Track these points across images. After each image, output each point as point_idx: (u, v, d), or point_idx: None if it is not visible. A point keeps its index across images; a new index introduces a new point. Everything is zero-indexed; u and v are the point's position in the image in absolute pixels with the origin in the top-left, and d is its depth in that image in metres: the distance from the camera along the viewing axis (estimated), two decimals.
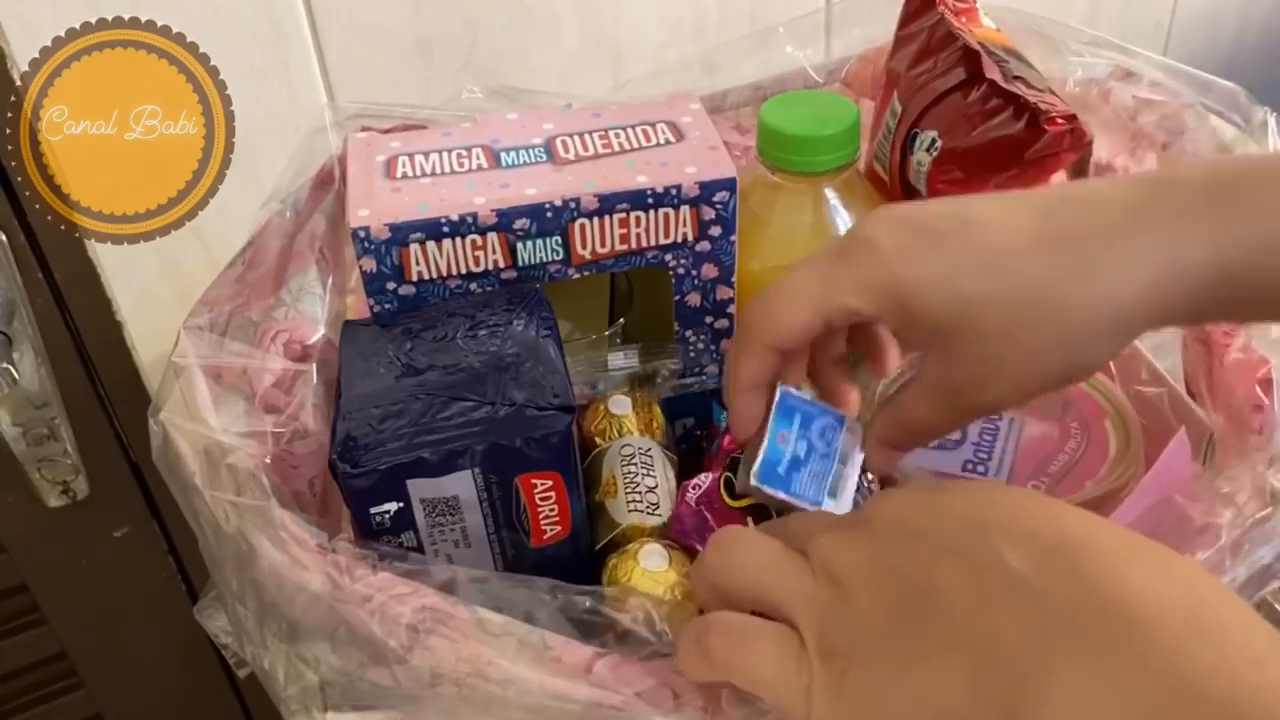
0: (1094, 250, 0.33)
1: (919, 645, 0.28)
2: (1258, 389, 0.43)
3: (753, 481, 0.38)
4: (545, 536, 0.42)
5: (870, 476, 0.43)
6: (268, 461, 0.42)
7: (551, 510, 0.42)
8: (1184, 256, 0.33)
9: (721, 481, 0.44)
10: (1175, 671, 0.24)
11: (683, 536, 0.43)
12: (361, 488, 0.39)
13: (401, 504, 0.40)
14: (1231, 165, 0.36)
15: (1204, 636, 0.24)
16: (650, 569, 0.41)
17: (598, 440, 0.47)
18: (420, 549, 0.41)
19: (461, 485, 0.40)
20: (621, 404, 0.48)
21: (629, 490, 0.44)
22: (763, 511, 0.42)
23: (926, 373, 0.36)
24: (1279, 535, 0.37)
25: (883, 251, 0.35)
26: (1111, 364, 0.52)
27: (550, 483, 0.41)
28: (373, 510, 0.40)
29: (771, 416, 0.39)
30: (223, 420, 0.42)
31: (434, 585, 0.37)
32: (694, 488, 0.44)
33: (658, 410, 0.49)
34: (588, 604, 0.36)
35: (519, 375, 0.42)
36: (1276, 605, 0.41)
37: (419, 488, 0.40)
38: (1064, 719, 0.25)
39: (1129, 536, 0.28)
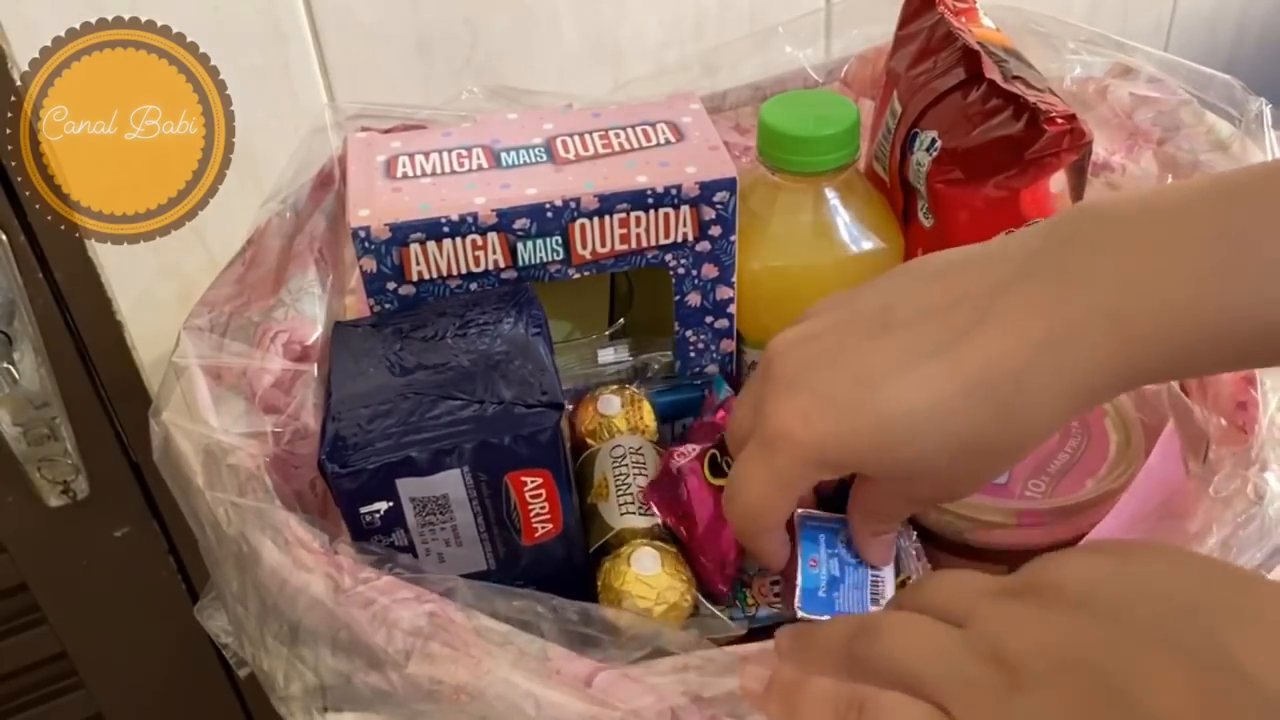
0: (1008, 396, 0.32)
1: None
2: (1246, 385, 0.43)
3: (799, 614, 0.38)
4: (537, 535, 0.42)
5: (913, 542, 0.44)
6: (269, 462, 0.42)
7: (542, 508, 0.42)
8: (1093, 383, 0.32)
9: (706, 458, 0.44)
10: None
11: (655, 502, 0.43)
12: (350, 488, 0.39)
13: (391, 503, 0.40)
14: (1136, 238, 0.32)
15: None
16: (642, 573, 0.41)
17: (589, 441, 0.47)
18: (411, 548, 0.41)
19: (451, 484, 0.40)
20: (610, 403, 0.48)
21: (621, 492, 0.44)
22: None
23: (883, 484, 0.37)
24: (1267, 533, 0.38)
25: (800, 444, 0.34)
26: None
27: (540, 480, 0.41)
28: (362, 510, 0.40)
29: (798, 546, 0.40)
30: (223, 421, 0.42)
31: (437, 591, 0.37)
32: (679, 455, 0.44)
33: (647, 407, 0.49)
34: (587, 629, 0.36)
35: (508, 373, 0.42)
36: None
37: (408, 487, 0.40)
38: None
39: None
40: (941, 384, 0.32)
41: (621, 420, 0.48)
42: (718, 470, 0.43)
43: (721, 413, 0.48)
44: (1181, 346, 0.31)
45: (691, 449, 0.44)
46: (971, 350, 0.32)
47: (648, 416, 0.49)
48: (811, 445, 0.34)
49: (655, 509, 0.43)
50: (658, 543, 0.43)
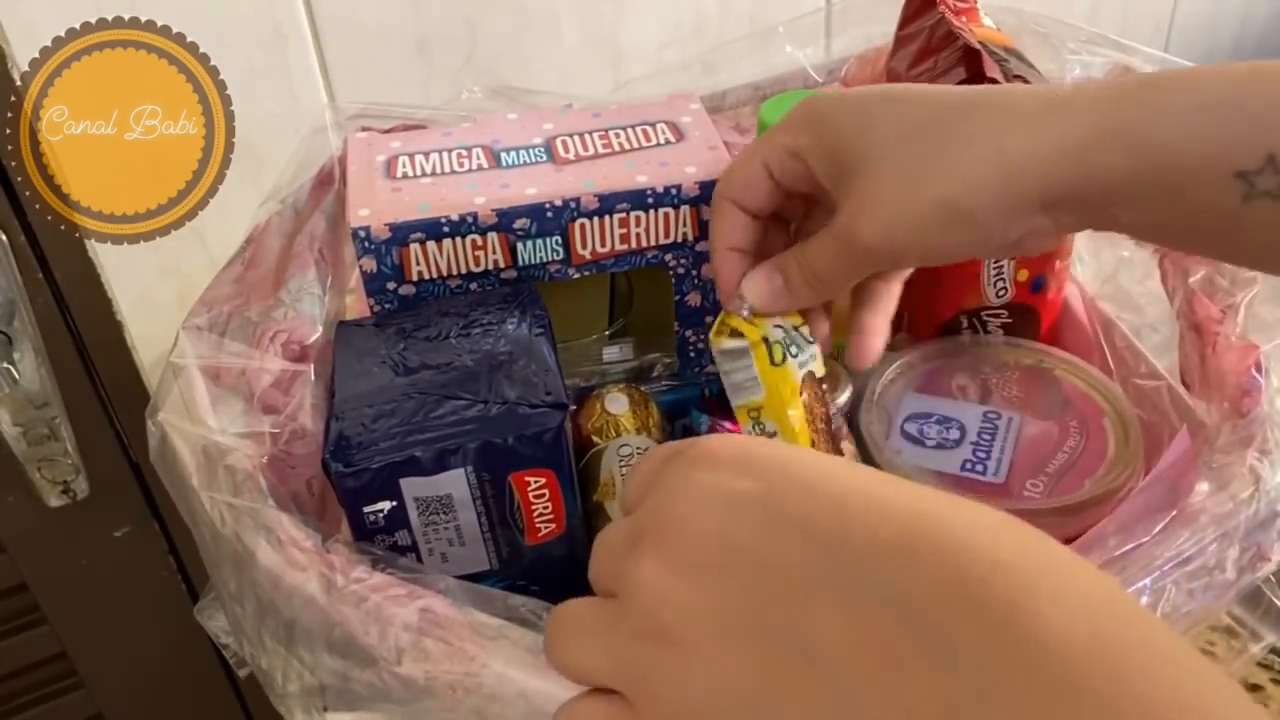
0: (992, 111, 0.36)
1: (806, 712, 0.23)
2: (1251, 373, 0.43)
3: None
4: (540, 534, 0.42)
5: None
6: (265, 462, 0.42)
7: (545, 508, 0.42)
8: (1078, 134, 0.35)
9: None
10: None
11: None
12: (354, 487, 0.39)
13: (395, 503, 0.40)
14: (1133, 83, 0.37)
15: (1123, 675, 0.20)
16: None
17: (595, 439, 0.47)
18: (414, 548, 0.41)
19: (454, 484, 0.40)
20: (618, 401, 0.48)
21: None
22: None
23: (833, 221, 0.39)
24: (1266, 517, 0.38)
25: (810, 100, 0.40)
26: (1110, 361, 0.52)
27: (543, 480, 0.41)
28: (366, 509, 0.40)
29: None
30: (221, 421, 0.42)
31: (430, 588, 0.37)
32: None
33: (654, 407, 0.49)
34: None
35: (511, 373, 0.42)
36: (1275, 600, 0.41)
37: (412, 486, 0.40)
38: None
39: (1019, 531, 0.23)
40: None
41: (629, 419, 0.48)
42: None
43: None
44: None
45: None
46: None
47: (655, 416, 0.49)
48: None
49: None
50: None
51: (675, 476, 0.27)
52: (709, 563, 0.25)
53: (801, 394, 0.41)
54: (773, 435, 0.41)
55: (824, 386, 0.42)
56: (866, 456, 0.47)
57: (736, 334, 0.41)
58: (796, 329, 0.41)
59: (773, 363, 0.41)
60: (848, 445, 0.46)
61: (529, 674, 0.34)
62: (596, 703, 0.27)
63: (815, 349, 0.42)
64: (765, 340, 0.41)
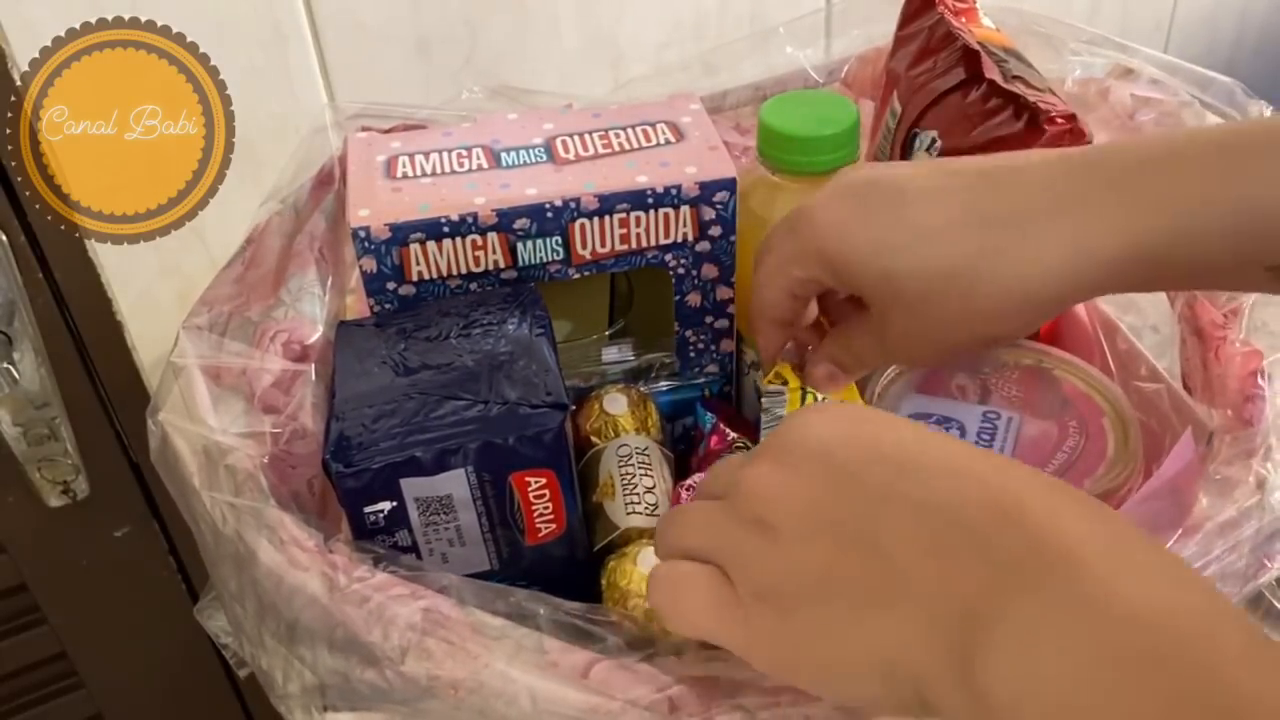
0: (1010, 234, 0.37)
1: (867, 593, 0.29)
2: (1254, 380, 0.43)
3: None
4: (540, 535, 0.42)
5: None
6: (266, 462, 0.42)
7: (546, 508, 0.42)
8: (1096, 243, 0.36)
9: None
10: (1109, 602, 0.25)
11: None
12: (355, 487, 0.39)
13: (395, 503, 0.40)
14: (1156, 146, 0.38)
15: (1130, 571, 0.26)
16: (648, 573, 0.41)
17: (594, 439, 0.47)
18: (415, 548, 0.41)
19: (455, 484, 0.40)
20: (617, 402, 0.48)
21: (627, 491, 0.44)
22: None
23: (869, 320, 0.41)
24: (1268, 522, 0.38)
25: (819, 224, 0.40)
26: (1110, 362, 0.52)
27: (544, 480, 0.41)
28: (366, 509, 0.40)
29: None
30: (222, 420, 0.42)
31: (432, 588, 0.37)
32: (688, 490, 0.44)
33: (653, 407, 0.49)
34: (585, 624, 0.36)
35: (512, 374, 0.42)
36: (1275, 602, 0.41)
37: (412, 487, 0.40)
38: (1016, 655, 0.26)
39: (1049, 480, 0.29)
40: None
41: (628, 420, 0.48)
42: None
43: (715, 438, 0.48)
44: (1185, 226, 0.35)
45: (699, 479, 0.45)
46: None
47: (654, 416, 0.49)
48: None
49: None
50: None
51: (794, 415, 0.33)
52: (810, 471, 0.30)
53: None
54: None
55: None
56: None
57: (782, 379, 0.45)
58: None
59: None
60: None
61: (532, 673, 0.34)
62: (693, 564, 0.32)
63: None
64: (803, 390, 0.44)
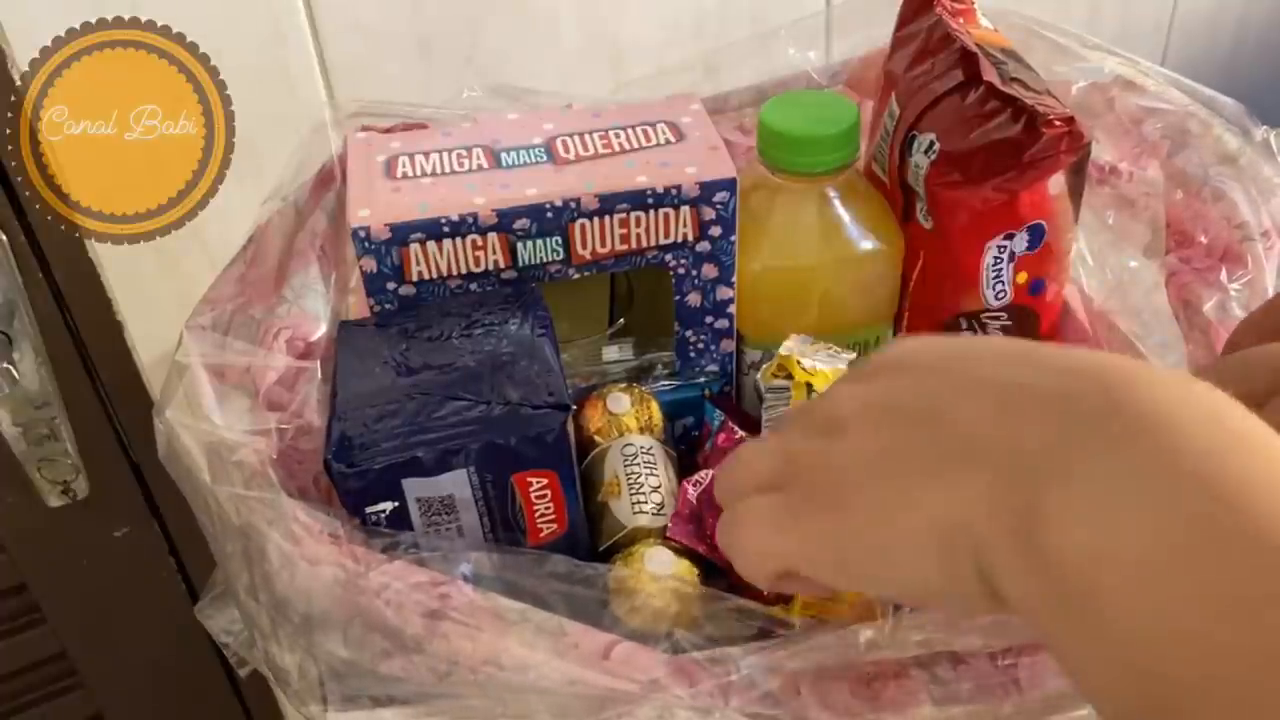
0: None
1: (926, 463, 0.27)
2: None
3: None
4: (541, 535, 0.42)
5: None
6: (273, 459, 0.42)
7: (547, 508, 0.42)
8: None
9: None
10: (1207, 471, 0.23)
11: (683, 537, 0.43)
12: (357, 487, 0.39)
13: (397, 503, 0.40)
14: None
15: (1234, 442, 0.23)
16: (658, 572, 0.41)
17: (598, 439, 0.47)
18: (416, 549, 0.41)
19: (457, 484, 0.40)
20: (620, 401, 0.48)
21: (633, 491, 0.44)
22: None
23: None
24: None
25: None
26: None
27: (545, 481, 0.41)
28: (368, 510, 0.40)
29: None
30: (227, 418, 0.42)
31: (450, 573, 0.37)
32: (694, 485, 0.44)
33: (655, 406, 0.49)
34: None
35: (514, 374, 0.42)
36: None
37: (414, 487, 0.40)
38: (1092, 514, 0.24)
39: (1147, 364, 0.27)
40: None
41: (631, 419, 0.48)
42: None
43: (723, 435, 0.48)
44: None
45: (705, 475, 0.45)
46: None
47: (656, 415, 0.49)
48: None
49: (685, 543, 0.43)
50: (671, 542, 0.43)
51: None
52: (889, 374, 0.29)
53: None
54: None
55: None
56: None
57: (786, 374, 0.44)
58: None
59: None
60: None
61: (551, 658, 0.34)
62: (755, 497, 0.31)
63: None
64: (808, 386, 0.43)
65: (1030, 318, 0.52)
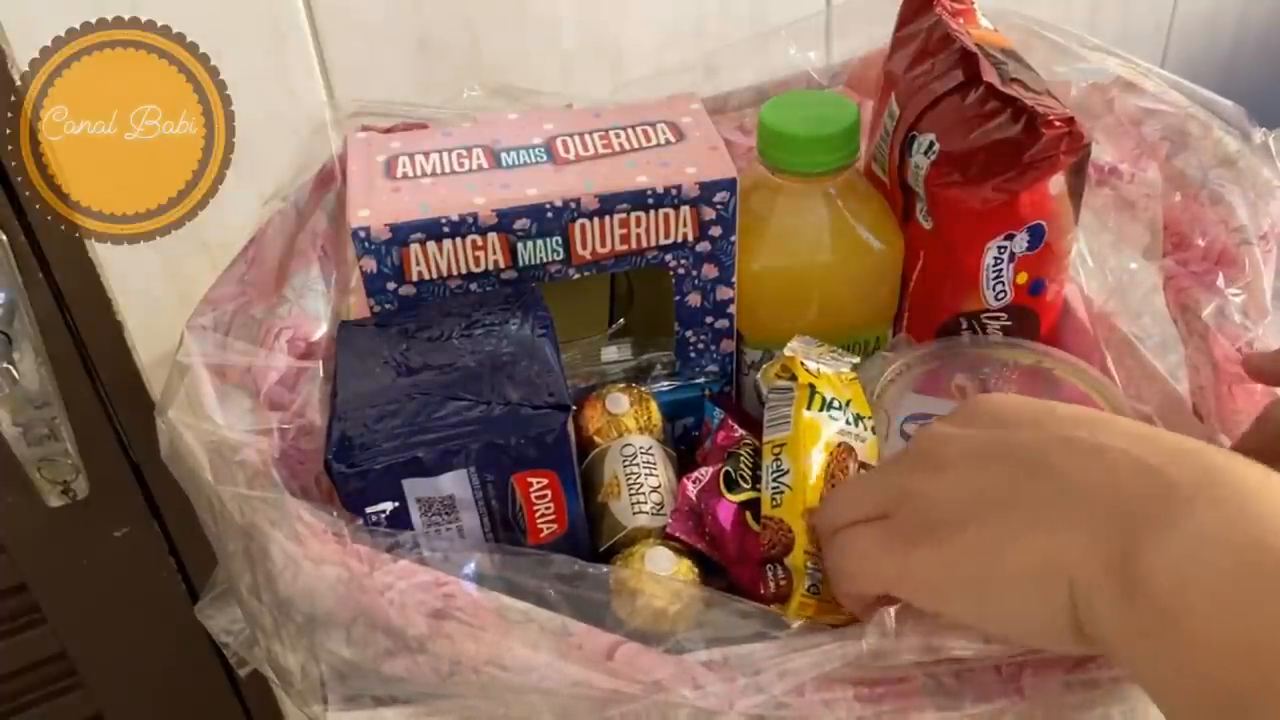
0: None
1: (1032, 509, 0.30)
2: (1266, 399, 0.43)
3: None
4: (542, 535, 0.42)
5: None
6: (275, 458, 0.42)
7: (548, 509, 0.42)
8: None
9: (721, 475, 0.44)
10: (1273, 523, 0.27)
11: (682, 533, 0.43)
12: (357, 488, 0.39)
13: (397, 504, 0.40)
14: None
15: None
16: (658, 571, 0.41)
17: (597, 439, 0.47)
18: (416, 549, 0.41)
19: (457, 484, 0.40)
20: (619, 402, 0.48)
21: (633, 491, 0.44)
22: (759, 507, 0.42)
23: None
24: None
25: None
26: (1111, 365, 0.52)
27: (546, 481, 0.41)
28: (368, 510, 0.40)
29: None
30: (228, 418, 0.42)
31: (453, 573, 0.37)
32: (693, 482, 0.44)
33: (654, 406, 0.49)
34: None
35: (514, 374, 0.42)
36: None
37: (414, 487, 0.40)
38: (1183, 549, 0.27)
39: (1228, 451, 0.30)
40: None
41: (630, 419, 0.48)
42: (733, 486, 0.44)
43: (723, 433, 0.48)
44: None
45: (704, 473, 0.45)
46: None
47: (655, 415, 0.49)
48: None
49: (685, 539, 0.43)
50: (671, 542, 0.43)
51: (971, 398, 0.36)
52: (987, 423, 0.33)
53: (828, 450, 0.41)
54: (785, 473, 0.41)
55: (860, 468, 0.43)
56: None
57: (790, 375, 0.44)
58: (861, 418, 0.44)
59: (808, 408, 0.42)
60: None
61: (554, 659, 0.34)
62: (861, 524, 0.34)
63: (872, 438, 0.43)
64: (812, 388, 0.43)
65: (1030, 318, 0.52)
